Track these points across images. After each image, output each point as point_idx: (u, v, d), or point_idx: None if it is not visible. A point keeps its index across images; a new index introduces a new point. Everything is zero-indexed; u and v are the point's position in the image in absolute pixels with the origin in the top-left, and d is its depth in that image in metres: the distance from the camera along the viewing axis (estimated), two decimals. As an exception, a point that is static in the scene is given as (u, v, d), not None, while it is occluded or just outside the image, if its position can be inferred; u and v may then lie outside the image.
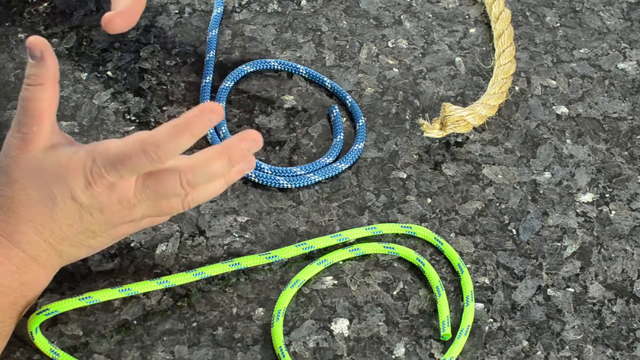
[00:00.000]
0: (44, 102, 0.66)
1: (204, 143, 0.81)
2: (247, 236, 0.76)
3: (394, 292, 0.74)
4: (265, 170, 0.79)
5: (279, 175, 0.79)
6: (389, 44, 0.89)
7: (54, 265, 0.68)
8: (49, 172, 0.65)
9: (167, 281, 0.70)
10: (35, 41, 0.65)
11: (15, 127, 0.66)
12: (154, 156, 0.62)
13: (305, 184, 0.79)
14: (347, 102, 0.84)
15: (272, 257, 0.73)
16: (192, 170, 0.65)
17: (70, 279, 0.72)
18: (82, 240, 0.67)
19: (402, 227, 0.76)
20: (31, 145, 0.65)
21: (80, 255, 0.69)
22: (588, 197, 0.80)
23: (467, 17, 0.92)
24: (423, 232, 0.76)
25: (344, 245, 0.75)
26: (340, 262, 0.75)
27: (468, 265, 0.75)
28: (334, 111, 0.83)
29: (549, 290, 0.74)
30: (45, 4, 0.89)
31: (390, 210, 0.78)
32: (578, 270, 0.76)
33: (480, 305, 0.73)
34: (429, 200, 0.79)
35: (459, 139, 0.83)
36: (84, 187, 0.64)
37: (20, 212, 0.65)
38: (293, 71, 0.86)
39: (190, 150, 0.64)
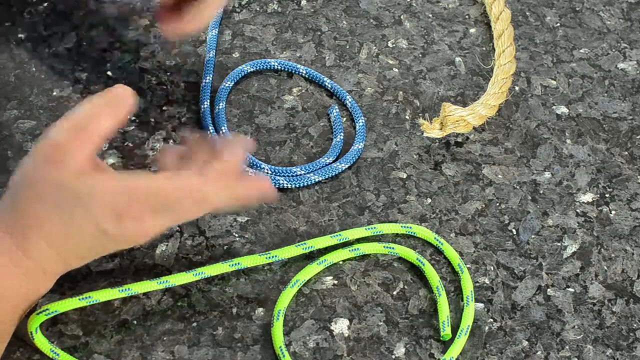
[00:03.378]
0: (99, 127, 0.64)
1: (204, 143, 0.81)
2: (247, 236, 0.76)
3: (394, 292, 0.74)
4: (265, 170, 0.79)
5: (279, 175, 0.79)
6: (389, 44, 0.89)
7: (60, 272, 0.68)
8: (77, 199, 0.63)
9: (167, 281, 0.70)
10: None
11: (54, 132, 0.64)
12: (201, 207, 0.64)
13: (305, 184, 0.79)
14: (347, 102, 0.84)
15: (272, 257, 0.73)
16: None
17: (70, 279, 0.72)
18: (92, 255, 0.67)
19: (402, 227, 0.76)
20: (64, 164, 0.63)
21: (85, 262, 0.68)
22: (588, 197, 0.80)
23: (467, 17, 0.92)
24: (423, 232, 0.76)
25: (344, 245, 0.75)
26: (340, 262, 0.75)
27: (468, 265, 0.75)
28: (334, 111, 0.83)
29: (549, 290, 0.74)
30: (45, 4, 0.89)
31: (390, 210, 0.78)
32: (578, 270, 0.76)
33: (480, 305, 0.73)
34: (429, 200, 0.79)
35: (459, 139, 0.83)
36: (114, 220, 0.63)
37: (38, 230, 0.64)
38: (293, 71, 0.86)
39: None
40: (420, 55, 0.88)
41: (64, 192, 0.63)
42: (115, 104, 0.65)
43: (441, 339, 0.71)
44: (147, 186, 0.63)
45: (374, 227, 0.76)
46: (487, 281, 0.75)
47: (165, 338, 0.70)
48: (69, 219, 0.63)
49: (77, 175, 0.63)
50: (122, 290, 0.69)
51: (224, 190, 0.65)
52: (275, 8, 0.91)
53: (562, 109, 0.85)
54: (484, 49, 0.89)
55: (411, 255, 0.75)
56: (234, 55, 0.87)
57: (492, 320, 0.73)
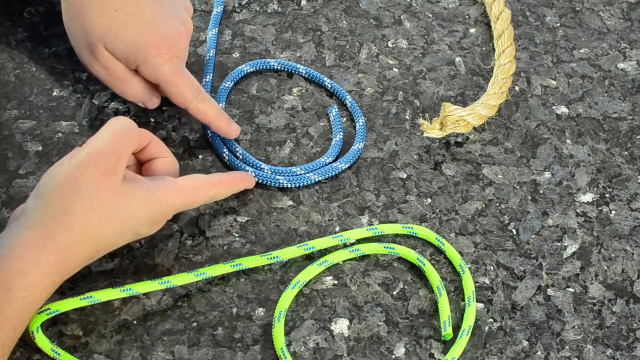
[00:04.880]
0: (134, 141, 0.70)
1: (204, 142, 0.81)
2: (247, 236, 0.76)
3: (394, 292, 0.74)
4: (265, 170, 0.79)
5: (279, 175, 0.79)
6: (389, 44, 0.89)
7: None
8: (127, 208, 0.67)
9: (168, 281, 0.70)
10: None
11: (107, 143, 0.68)
12: (211, 200, 0.75)
13: (305, 183, 0.79)
14: (347, 102, 0.84)
15: (274, 257, 0.73)
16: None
17: (70, 279, 0.71)
18: (114, 249, 0.71)
19: (403, 227, 0.76)
20: (115, 174, 0.67)
21: None
22: (588, 197, 0.80)
23: (467, 17, 0.92)
24: (424, 232, 0.76)
25: (345, 245, 0.75)
26: (340, 262, 0.75)
27: (468, 265, 0.75)
28: (333, 111, 0.83)
29: (549, 290, 0.74)
30: (45, 4, 0.89)
31: (390, 210, 0.78)
32: (578, 270, 0.76)
33: (481, 305, 0.73)
34: (429, 200, 0.79)
35: (459, 139, 0.83)
36: (149, 225, 0.70)
37: (87, 241, 0.67)
38: (293, 71, 0.86)
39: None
40: (420, 55, 0.88)
41: (119, 203, 0.67)
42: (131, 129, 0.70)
43: (442, 338, 0.71)
44: (179, 195, 0.70)
45: (375, 228, 0.76)
46: (487, 281, 0.75)
47: (165, 338, 0.70)
48: (118, 229, 0.68)
49: (126, 185, 0.67)
50: (124, 290, 0.69)
51: (228, 189, 0.75)
52: (275, 8, 0.91)
53: (562, 109, 0.85)
54: (484, 49, 0.89)
55: (411, 255, 0.75)
56: (234, 55, 0.87)
57: (492, 320, 0.73)
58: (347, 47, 0.88)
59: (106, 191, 0.66)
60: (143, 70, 0.76)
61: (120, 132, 0.69)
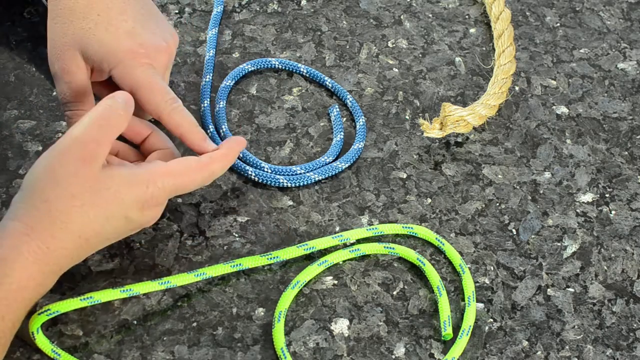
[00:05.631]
0: (119, 124, 0.69)
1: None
2: (247, 236, 0.76)
3: (394, 292, 0.74)
4: (265, 169, 0.79)
5: (279, 174, 0.79)
6: (389, 44, 0.89)
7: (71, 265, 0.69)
8: (109, 192, 0.66)
9: (168, 282, 0.70)
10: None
11: (83, 130, 0.67)
12: (208, 180, 0.72)
13: (305, 182, 0.79)
14: (348, 101, 0.84)
15: (274, 257, 0.73)
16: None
17: (70, 279, 0.72)
18: (111, 242, 0.70)
19: (403, 227, 0.76)
20: (97, 161, 0.66)
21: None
22: (588, 197, 0.80)
23: (467, 17, 0.92)
24: (424, 232, 0.76)
25: (345, 245, 0.75)
26: (340, 262, 0.75)
27: (468, 265, 0.75)
28: (334, 110, 0.83)
29: (549, 290, 0.74)
30: (46, 4, 0.89)
31: (390, 210, 0.78)
32: (578, 270, 0.76)
33: (480, 305, 0.73)
34: (429, 200, 0.79)
35: (459, 139, 0.83)
36: (140, 207, 0.68)
37: (71, 228, 0.66)
38: (294, 70, 0.86)
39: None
40: (420, 55, 0.88)
41: (98, 187, 0.66)
42: (126, 107, 0.69)
43: (442, 338, 0.71)
44: (166, 171, 0.69)
45: (375, 228, 0.76)
46: (487, 281, 0.75)
47: (165, 338, 0.70)
48: (103, 214, 0.67)
49: (104, 167, 0.67)
50: (124, 291, 0.69)
51: (223, 164, 0.72)
52: (275, 8, 0.91)
53: (562, 109, 0.85)
54: (484, 49, 0.89)
55: (411, 255, 0.75)
56: (234, 55, 0.87)
57: (492, 320, 0.73)
58: (347, 47, 0.88)
59: (85, 178, 0.66)
60: (116, 74, 0.73)
61: (101, 118, 0.68)
